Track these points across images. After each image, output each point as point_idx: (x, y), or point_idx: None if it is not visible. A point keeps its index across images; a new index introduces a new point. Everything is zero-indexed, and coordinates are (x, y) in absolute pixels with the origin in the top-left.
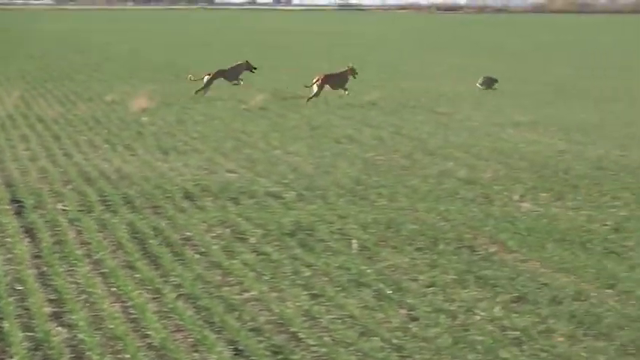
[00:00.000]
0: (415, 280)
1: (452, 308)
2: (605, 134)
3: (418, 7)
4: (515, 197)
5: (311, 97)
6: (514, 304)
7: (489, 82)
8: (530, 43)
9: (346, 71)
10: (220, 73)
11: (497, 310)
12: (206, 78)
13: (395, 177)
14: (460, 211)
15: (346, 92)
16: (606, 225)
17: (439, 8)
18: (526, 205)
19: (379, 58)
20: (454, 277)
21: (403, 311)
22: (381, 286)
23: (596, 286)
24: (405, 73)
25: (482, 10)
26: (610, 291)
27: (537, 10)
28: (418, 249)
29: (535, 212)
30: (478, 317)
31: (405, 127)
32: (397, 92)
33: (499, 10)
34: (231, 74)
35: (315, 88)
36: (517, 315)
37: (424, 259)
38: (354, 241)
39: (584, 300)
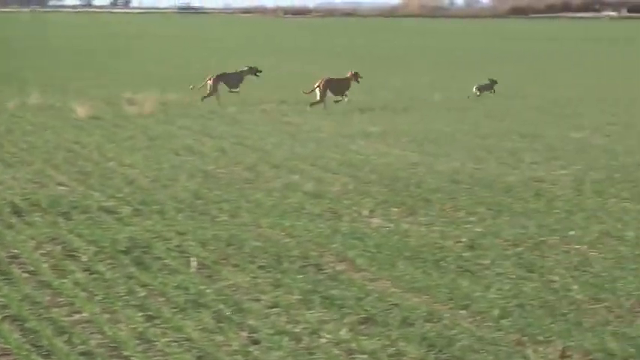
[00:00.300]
0: (257, 300)
1: (296, 330)
2: (460, 146)
3: (264, 11)
4: (365, 212)
5: (314, 103)
6: (362, 326)
7: (488, 86)
8: (381, 48)
9: (349, 77)
10: (221, 77)
11: (344, 333)
12: (209, 84)
13: (237, 191)
14: (306, 227)
15: (345, 98)
16: (460, 242)
17: (287, 12)
18: (376, 221)
19: (221, 63)
20: (299, 297)
21: (244, 334)
22: (221, 306)
23: (450, 306)
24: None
25: (331, 13)
26: (464, 312)
27: (389, 14)
28: (261, 267)
29: (385, 228)
30: (324, 340)
31: (249, 137)
32: (238, 100)
33: (349, 14)
34: (232, 79)
35: (317, 93)
36: (365, 337)
37: (267, 278)
38: (192, 259)
39: (437, 321)
